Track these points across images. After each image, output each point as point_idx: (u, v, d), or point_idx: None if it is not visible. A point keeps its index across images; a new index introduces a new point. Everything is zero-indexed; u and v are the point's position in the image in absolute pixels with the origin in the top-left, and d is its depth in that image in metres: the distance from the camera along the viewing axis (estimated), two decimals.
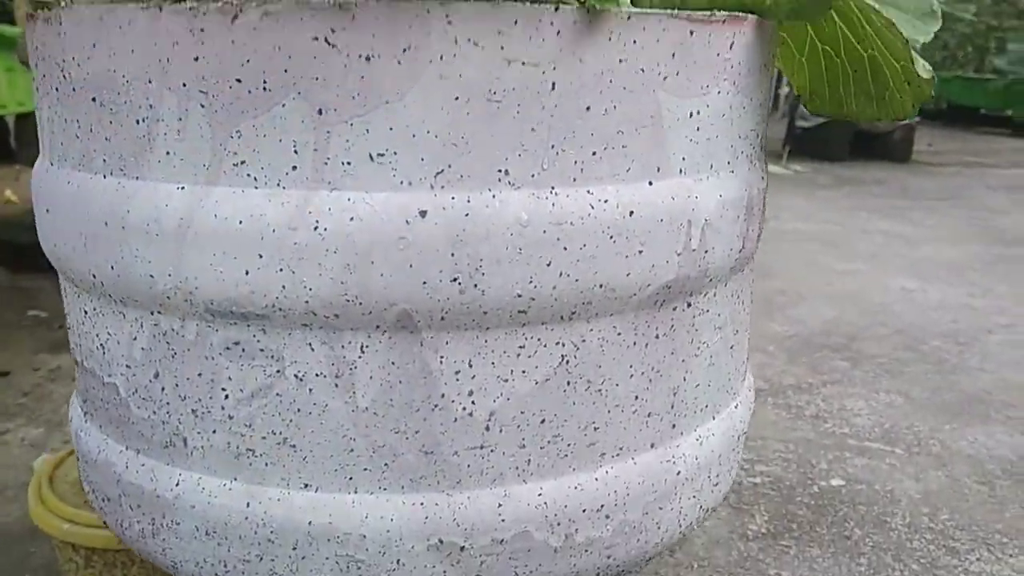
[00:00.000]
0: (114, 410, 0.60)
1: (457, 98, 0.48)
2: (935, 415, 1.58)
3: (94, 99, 0.52)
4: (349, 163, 0.48)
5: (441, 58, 0.47)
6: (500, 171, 0.50)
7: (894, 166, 5.04)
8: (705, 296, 0.60)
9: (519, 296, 0.51)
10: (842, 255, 2.83)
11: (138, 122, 0.51)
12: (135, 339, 0.56)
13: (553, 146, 0.50)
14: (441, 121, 0.48)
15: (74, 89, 0.53)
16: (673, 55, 0.52)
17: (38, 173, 0.61)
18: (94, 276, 0.55)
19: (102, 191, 0.53)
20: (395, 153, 0.48)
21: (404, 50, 0.47)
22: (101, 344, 0.59)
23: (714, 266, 0.58)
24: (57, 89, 0.55)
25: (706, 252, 0.57)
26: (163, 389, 0.56)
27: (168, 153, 0.50)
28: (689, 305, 0.59)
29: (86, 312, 0.60)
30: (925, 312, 2.21)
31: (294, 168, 0.49)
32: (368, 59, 0.47)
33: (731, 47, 0.56)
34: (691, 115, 0.55)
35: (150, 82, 0.49)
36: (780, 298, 2.31)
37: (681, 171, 0.55)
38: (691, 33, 0.53)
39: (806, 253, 2.83)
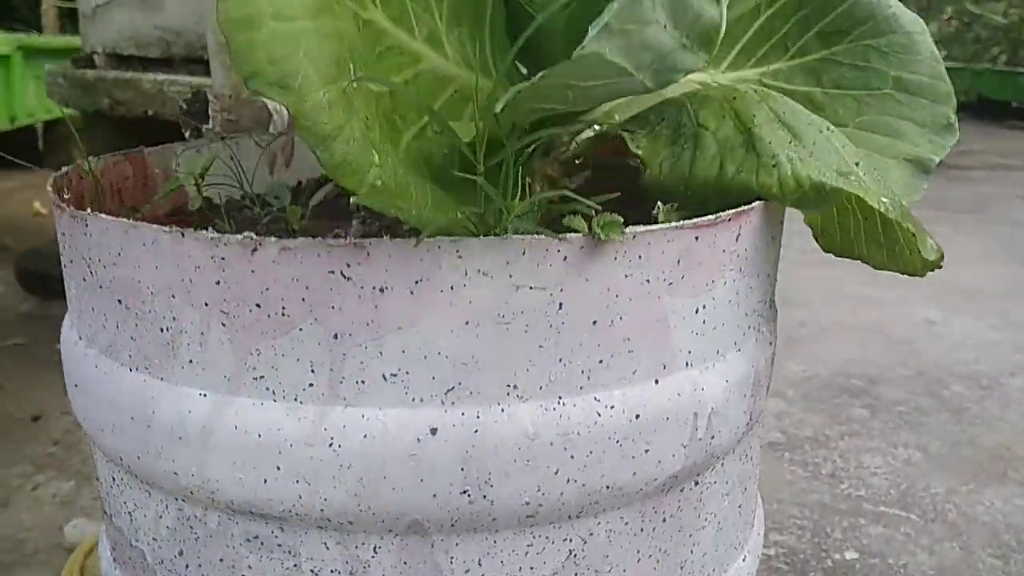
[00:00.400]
0: (141, 571, 0.62)
1: (467, 322, 0.49)
2: (953, 474, 1.58)
3: (119, 301, 0.54)
4: (363, 382, 0.50)
5: (452, 288, 0.49)
6: (509, 386, 0.51)
7: None
8: (712, 471, 0.62)
9: (527, 503, 0.53)
10: (866, 279, 2.79)
11: (162, 330, 0.53)
12: (161, 517, 0.58)
13: (560, 359, 0.52)
14: (451, 343, 0.50)
15: (100, 287, 0.55)
16: (678, 261, 0.53)
17: (67, 341, 0.63)
18: (121, 458, 0.58)
19: (129, 384, 0.55)
20: (407, 373, 0.50)
21: (416, 282, 0.48)
22: (129, 512, 0.61)
23: (721, 448, 0.60)
24: (84, 280, 0.57)
25: (712, 438, 0.58)
26: (187, 566, 0.58)
27: (191, 361, 0.52)
28: (696, 484, 0.60)
29: (115, 479, 0.62)
30: (948, 350, 2.20)
31: (311, 385, 0.51)
32: (382, 290, 0.48)
33: (737, 239, 0.57)
34: (697, 311, 0.56)
35: (173, 297, 0.51)
36: (801, 331, 2.31)
37: (687, 364, 0.56)
38: (696, 239, 0.54)
39: (829, 278, 2.81)
